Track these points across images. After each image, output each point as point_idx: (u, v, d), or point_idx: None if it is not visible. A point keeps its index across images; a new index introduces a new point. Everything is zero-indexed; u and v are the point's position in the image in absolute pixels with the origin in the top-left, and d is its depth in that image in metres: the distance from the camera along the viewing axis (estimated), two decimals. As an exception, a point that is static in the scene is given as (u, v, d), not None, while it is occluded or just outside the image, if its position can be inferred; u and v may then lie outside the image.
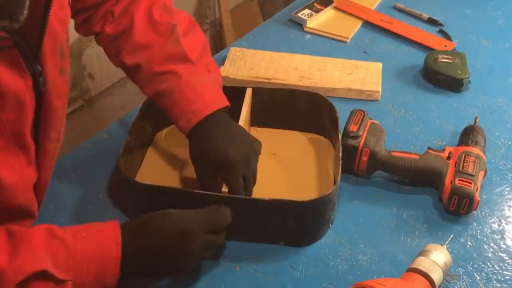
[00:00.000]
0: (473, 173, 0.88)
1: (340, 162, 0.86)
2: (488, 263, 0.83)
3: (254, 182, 0.88)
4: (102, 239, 0.67)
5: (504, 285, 0.80)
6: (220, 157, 0.83)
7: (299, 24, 1.35)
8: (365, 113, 0.96)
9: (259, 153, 0.88)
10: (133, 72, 0.89)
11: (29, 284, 0.61)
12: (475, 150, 0.92)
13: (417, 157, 0.92)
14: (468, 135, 0.96)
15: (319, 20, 1.36)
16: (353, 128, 0.93)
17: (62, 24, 0.69)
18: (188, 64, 0.87)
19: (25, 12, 0.58)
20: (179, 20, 0.90)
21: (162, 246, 0.70)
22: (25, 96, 0.63)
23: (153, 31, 0.88)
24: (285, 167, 0.97)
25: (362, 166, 0.92)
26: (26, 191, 0.69)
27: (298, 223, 0.82)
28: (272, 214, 0.82)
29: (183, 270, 0.73)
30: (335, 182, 0.85)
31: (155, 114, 0.99)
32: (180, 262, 0.72)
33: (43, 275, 0.62)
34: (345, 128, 0.93)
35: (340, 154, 0.88)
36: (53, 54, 0.67)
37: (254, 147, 0.87)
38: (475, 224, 0.89)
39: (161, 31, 0.88)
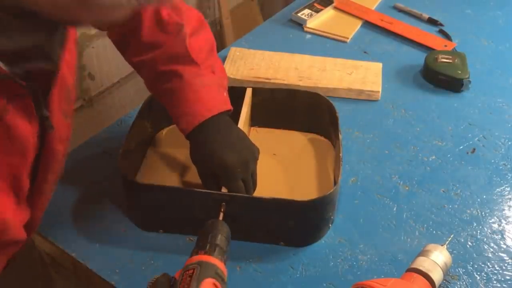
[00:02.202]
0: None
1: (341, 163, 0.86)
2: (488, 263, 0.83)
3: (255, 187, 0.88)
4: None
5: (504, 285, 0.80)
6: (217, 162, 0.83)
7: (299, 24, 1.35)
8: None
9: (257, 159, 0.88)
10: (138, 69, 0.90)
11: None
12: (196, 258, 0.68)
13: None
14: (207, 237, 0.71)
15: (319, 20, 1.36)
16: None
17: (69, 68, 0.68)
18: (192, 65, 0.87)
19: (59, 52, 0.59)
20: (187, 19, 0.89)
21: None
22: (31, 140, 0.62)
23: (161, 30, 0.87)
24: (285, 167, 0.97)
25: None
26: (16, 228, 0.66)
27: (298, 223, 0.82)
28: (272, 213, 0.82)
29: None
30: (335, 182, 0.85)
31: (155, 114, 0.99)
32: None
33: None
34: None
35: (341, 155, 0.88)
36: (60, 99, 0.66)
37: (253, 152, 0.87)
38: (475, 224, 0.89)
39: (168, 30, 0.87)
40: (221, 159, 0.83)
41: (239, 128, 0.90)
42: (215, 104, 0.86)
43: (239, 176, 0.83)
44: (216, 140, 0.84)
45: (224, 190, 0.83)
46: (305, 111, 1.02)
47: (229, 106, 0.87)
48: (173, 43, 0.87)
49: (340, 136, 0.92)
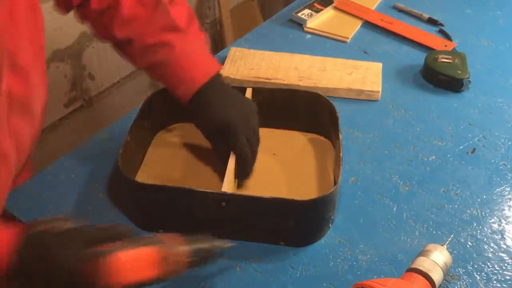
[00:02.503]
0: None
1: (341, 163, 0.87)
2: (488, 263, 0.83)
3: (258, 142, 0.92)
4: None
5: (504, 285, 0.80)
6: (220, 123, 0.88)
7: (299, 24, 1.35)
8: None
9: (256, 112, 0.92)
10: (124, 46, 0.91)
11: None
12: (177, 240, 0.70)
13: None
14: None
15: (319, 20, 1.36)
16: None
17: None
18: (179, 34, 0.89)
19: None
20: None
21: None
22: None
23: (140, 3, 0.89)
24: (285, 167, 0.97)
25: None
26: None
27: (298, 223, 0.82)
28: (272, 213, 0.82)
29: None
30: (335, 182, 0.85)
31: (155, 114, 0.99)
32: None
33: None
34: None
35: (341, 154, 0.88)
36: None
37: (251, 108, 0.92)
38: (475, 224, 0.89)
39: (147, 2, 0.89)
40: (224, 120, 0.87)
41: (232, 87, 0.94)
42: (209, 67, 0.90)
43: (243, 132, 0.88)
44: (217, 102, 0.88)
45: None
46: (305, 111, 1.02)
47: (219, 66, 0.92)
48: (156, 14, 0.88)
49: (340, 136, 0.92)
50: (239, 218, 0.82)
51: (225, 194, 0.81)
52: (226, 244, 0.74)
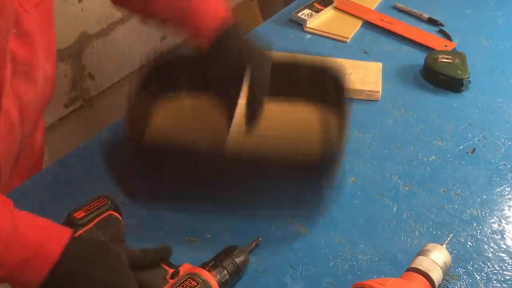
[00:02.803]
0: None
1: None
2: (488, 263, 0.83)
3: (267, 86, 0.94)
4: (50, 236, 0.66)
5: (504, 285, 0.80)
6: (238, 68, 0.90)
7: (299, 24, 1.35)
8: (107, 202, 0.80)
9: (271, 58, 0.96)
10: None
11: None
12: (205, 273, 0.73)
13: None
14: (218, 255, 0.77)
15: (319, 20, 1.36)
16: (79, 215, 0.77)
17: None
18: None
19: None
20: None
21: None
22: None
23: None
24: (288, 128, 0.98)
25: None
26: None
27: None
28: (277, 169, 0.83)
29: None
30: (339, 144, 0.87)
31: (155, 85, 0.99)
32: None
33: None
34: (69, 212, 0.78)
35: (346, 122, 0.88)
36: None
37: (266, 54, 0.96)
38: (475, 224, 0.89)
39: None
40: (241, 66, 0.91)
41: (247, 39, 0.98)
42: (227, 14, 0.93)
43: (256, 78, 0.91)
44: (234, 50, 0.92)
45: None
46: (309, 82, 1.01)
47: (235, 18, 0.95)
48: None
49: (346, 105, 0.92)
50: (244, 172, 0.84)
51: (229, 151, 0.83)
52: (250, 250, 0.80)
